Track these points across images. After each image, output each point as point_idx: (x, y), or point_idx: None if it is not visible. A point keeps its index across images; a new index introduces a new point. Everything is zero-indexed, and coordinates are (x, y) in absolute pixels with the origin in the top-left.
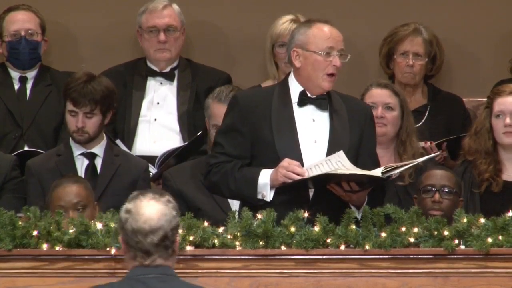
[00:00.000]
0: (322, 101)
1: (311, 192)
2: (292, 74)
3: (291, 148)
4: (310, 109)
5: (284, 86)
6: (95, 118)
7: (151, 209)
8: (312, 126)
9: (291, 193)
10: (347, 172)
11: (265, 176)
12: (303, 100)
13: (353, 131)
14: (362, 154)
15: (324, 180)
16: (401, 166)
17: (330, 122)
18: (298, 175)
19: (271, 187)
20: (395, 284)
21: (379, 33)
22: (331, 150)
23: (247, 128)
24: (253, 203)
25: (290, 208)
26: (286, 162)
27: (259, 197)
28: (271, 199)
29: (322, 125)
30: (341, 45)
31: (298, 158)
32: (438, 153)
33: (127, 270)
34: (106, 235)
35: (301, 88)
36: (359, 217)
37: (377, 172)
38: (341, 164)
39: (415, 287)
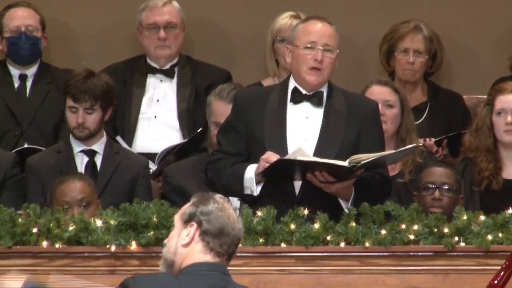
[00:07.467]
0: (317, 98)
1: (297, 188)
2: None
3: (279, 146)
4: (304, 106)
5: (284, 84)
6: (95, 114)
7: (237, 219)
8: (304, 124)
9: (277, 187)
10: (307, 159)
11: (250, 171)
12: (297, 97)
13: (349, 128)
14: (361, 151)
15: (297, 170)
16: (367, 158)
17: (324, 119)
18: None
19: (257, 182)
20: (395, 281)
21: (379, 30)
22: (319, 148)
23: (242, 126)
24: (243, 198)
25: (277, 202)
26: (266, 154)
27: (247, 192)
28: (258, 193)
29: (315, 123)
30: (326, 40)
31: (285, 155)
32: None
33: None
34: (106, 232)
35: (295, 86)
36: (346, 210)
37: (343, 162)
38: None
39: (415, 284)
